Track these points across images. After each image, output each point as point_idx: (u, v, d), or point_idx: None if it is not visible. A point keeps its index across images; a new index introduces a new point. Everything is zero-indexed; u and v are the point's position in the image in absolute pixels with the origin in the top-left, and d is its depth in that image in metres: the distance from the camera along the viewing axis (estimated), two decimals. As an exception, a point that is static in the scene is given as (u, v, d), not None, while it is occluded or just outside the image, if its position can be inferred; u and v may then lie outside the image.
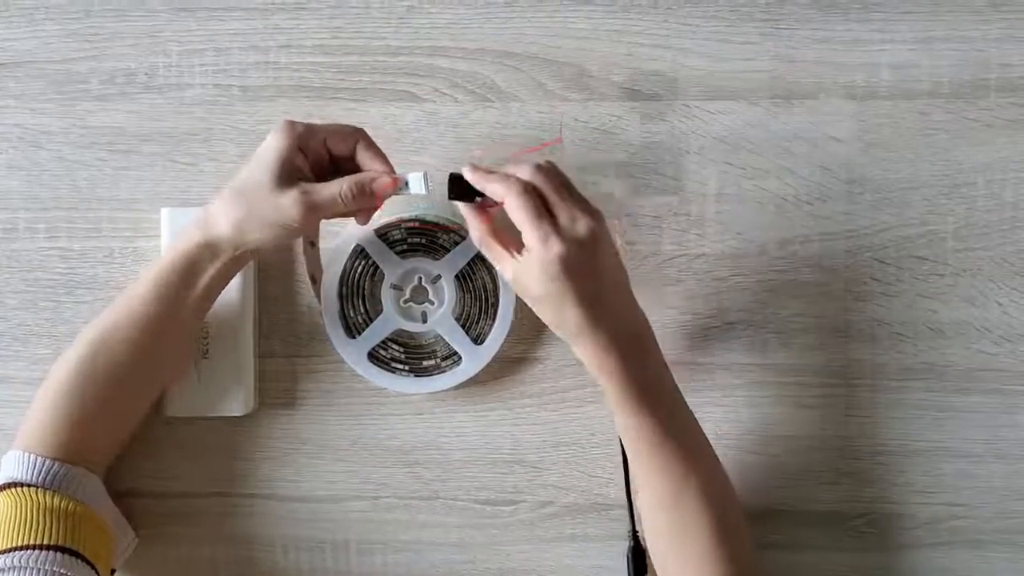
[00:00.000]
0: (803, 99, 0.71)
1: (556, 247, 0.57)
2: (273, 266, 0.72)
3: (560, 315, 0.59)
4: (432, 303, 0.72)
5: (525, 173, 0.60)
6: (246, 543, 0.72)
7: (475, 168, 0.61)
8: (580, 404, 0.72)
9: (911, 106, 0.70)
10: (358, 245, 0.71)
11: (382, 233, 0.71)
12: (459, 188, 0.62)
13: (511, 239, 0.61)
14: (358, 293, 0.71)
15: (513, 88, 0.72)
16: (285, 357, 0.72)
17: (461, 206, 0.63)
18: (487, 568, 0.72)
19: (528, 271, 0.59)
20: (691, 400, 0.63)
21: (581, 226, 0.58)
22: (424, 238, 0.71)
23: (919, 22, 0.70)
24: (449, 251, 0.71)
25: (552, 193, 0.59)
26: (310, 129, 0.63)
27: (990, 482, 0.70)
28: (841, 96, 0.70)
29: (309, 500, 0.72)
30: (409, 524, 0.72)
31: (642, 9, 0.71)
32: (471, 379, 0.71)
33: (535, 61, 0.72)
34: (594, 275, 0.59)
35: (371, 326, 0.71)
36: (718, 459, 0.64)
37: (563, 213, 0.59)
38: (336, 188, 0.62)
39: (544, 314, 0.61)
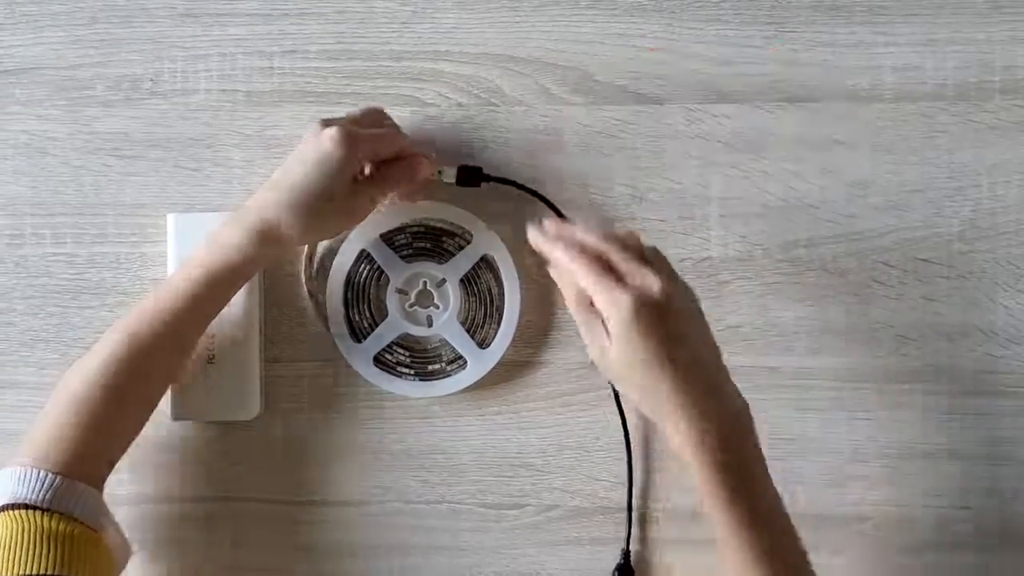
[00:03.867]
0: (807, 102, 0.71)
1: (624, 298, 0.54)
2: (278, 271, 0.73)
3: (647, 386, 0.55)
4: (437, 307, 0.72)
5: (593, 239, 0.58)
6: (251, 547, 0.73)
7: (542, 230, 0.60)
8: (585, 408, 0.72)
9: (915, 108, 0.70)
10: (363, 250, 0.71)
11: (387, 237, 0.71)
12: (467, 176, 0.66)
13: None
14: (363, 298, 0.71)
15: (517, 92, 0.72)
16: (291, 362, 0.73)
17: (554, 273, 0.61)
18: (493, 572, 0.72)
19: (609, 344, 0.56)
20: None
21: (650, 280, 0.55)
22: (429, 242, 0.71)
23: (923, 24, 0.70)
24: (454, 255, 0.71)
25: (617, 253, 0.57)
26: (365, 140, 0.64)
27: (996, 485, 0.70)
28: (845, 99, 0.70)
29: (315, 504, 0.73)
30: (415, 528, 0.72)
31: (646, 12, 0.71)
32: (476, 383, 0.71)
33: (539, 65, 0.72)
34: (677, 337, 0.56)
35: (376, 330, 0.71)
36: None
37: (628, 269, 0.56)
38: (392, 184, 0.67)
39: (632, 390, 0.57)
